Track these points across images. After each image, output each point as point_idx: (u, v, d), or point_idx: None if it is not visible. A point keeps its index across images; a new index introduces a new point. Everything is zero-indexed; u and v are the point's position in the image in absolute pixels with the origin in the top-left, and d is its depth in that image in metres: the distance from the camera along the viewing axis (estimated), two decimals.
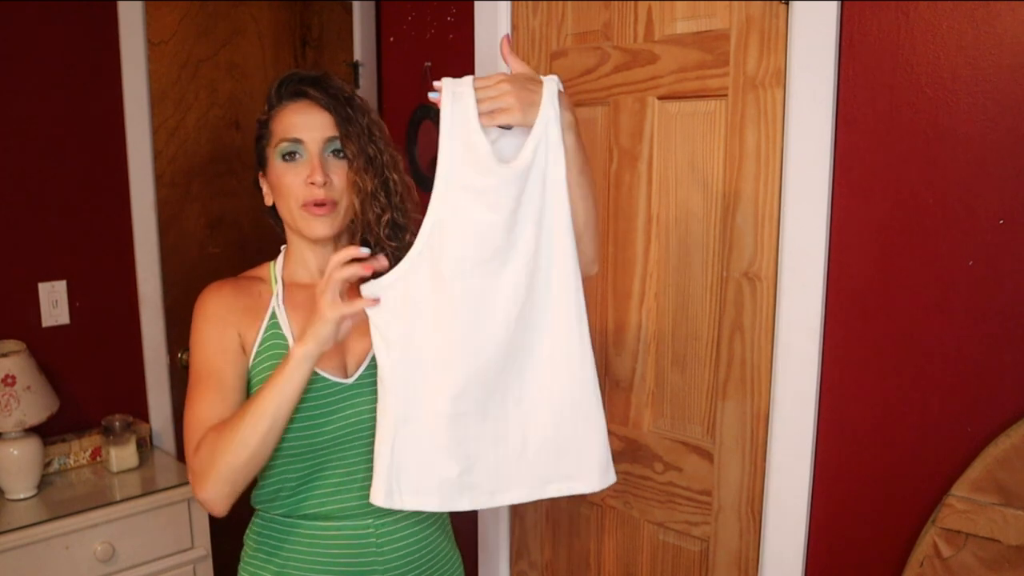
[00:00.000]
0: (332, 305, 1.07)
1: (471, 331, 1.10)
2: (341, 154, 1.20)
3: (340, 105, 1.20)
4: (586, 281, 1.23)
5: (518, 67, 1.12)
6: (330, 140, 1.20)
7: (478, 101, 1.06)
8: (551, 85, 1.09)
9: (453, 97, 1.06)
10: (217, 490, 1.09)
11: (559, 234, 1.11)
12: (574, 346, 1.14)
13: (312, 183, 1.17)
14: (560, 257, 1.12)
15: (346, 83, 1.25)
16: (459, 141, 1.06)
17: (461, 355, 1.10)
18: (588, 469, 1.16)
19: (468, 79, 1.08)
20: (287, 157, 1.20)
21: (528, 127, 1.08)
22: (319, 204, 1.18)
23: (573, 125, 1.11)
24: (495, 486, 1.15)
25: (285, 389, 1.08)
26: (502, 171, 1.06)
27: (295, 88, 1.22)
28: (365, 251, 1.09)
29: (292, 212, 1.21)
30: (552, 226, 1.11)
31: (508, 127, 1.09)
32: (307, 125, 1.19)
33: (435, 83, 1.08)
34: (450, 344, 1.09)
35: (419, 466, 1.11)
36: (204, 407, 1.15)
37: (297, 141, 1.19)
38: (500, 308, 1.10)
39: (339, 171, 1.20)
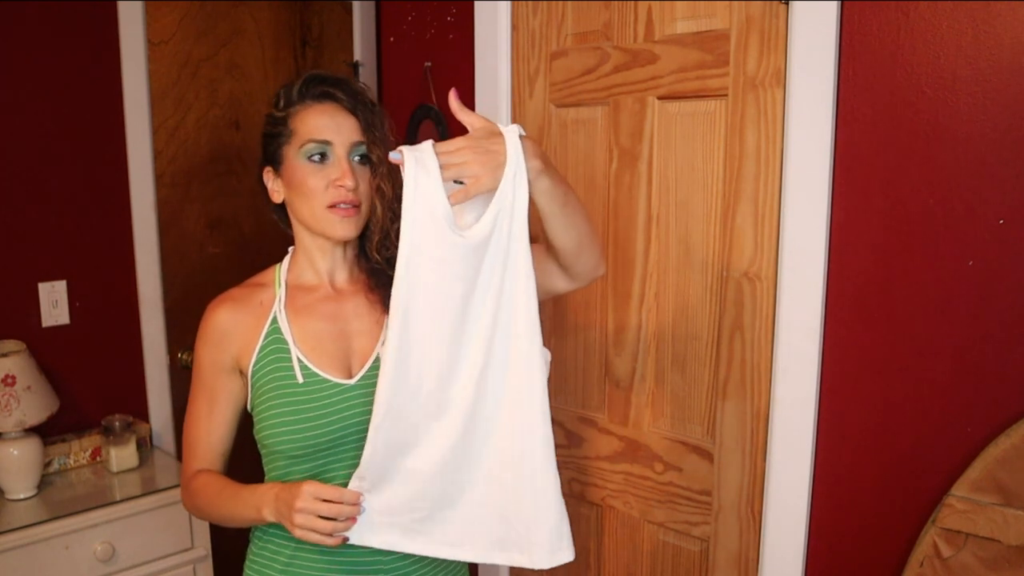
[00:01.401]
0: (303, 532, 1.11)
1: (436, 395, 1.12)
2: (365, 159, 1.22)
3: (366, 110, 1.22)
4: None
5: (472, 121, 1.08)
6: (357, 144, 1.21)
7: (442, 168, 1.04)
8: (512, 137, 1.05)
9: (416, 163, 1.04)
10: (188, 510, 1.34)
11: (520, 305, 1.11)
12: (536, 418, 1.13)
13: (342, 186, 1.19)
14: (522, 327, 1.12)
15: (364, 86, 1.27)
16: (421, 208, 1.05)
17: (430, 416, 1.13)
18: (538, 544, 1.15)
19: (427, 144, 1.05)
20: (314, 158, 1.20)
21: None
22: (347, 207, 1.19)
23: (543, 170, 1.08)
24: (449, 540, 1.18)
25: (238, 518, 1.22)
26: (463, 240, 1.06)
27: (322, 89, 1.23)
28: (338, 496, 1.12)
29: (315, 213, 1.21)
30: (512, 298, 1.11)
31: None
32: (336, 128, 1.20)
33: (393, 152, 1.06)
34: (419, 406, 1.13)
35: (381, 507, 1.15)
36: (198, 418, 1.28)
37: (326, 143, 1.20)
38: (462, 375, 1.12)
39: (363, 175, 1.22)
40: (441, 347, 1.11)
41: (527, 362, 1.12)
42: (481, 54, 2.01)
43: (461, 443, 1.14)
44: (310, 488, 1.10)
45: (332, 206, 1.20)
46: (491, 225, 1.07)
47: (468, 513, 1.18)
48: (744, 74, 1.55)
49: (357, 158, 1.22)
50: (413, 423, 1.13)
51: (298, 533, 1.10)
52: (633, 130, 1.74)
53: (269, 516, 1.15)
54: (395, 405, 1.11)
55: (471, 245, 1.07)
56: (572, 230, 1.16)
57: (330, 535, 1.11)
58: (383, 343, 1.23)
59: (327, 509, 1.10)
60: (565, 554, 1.16)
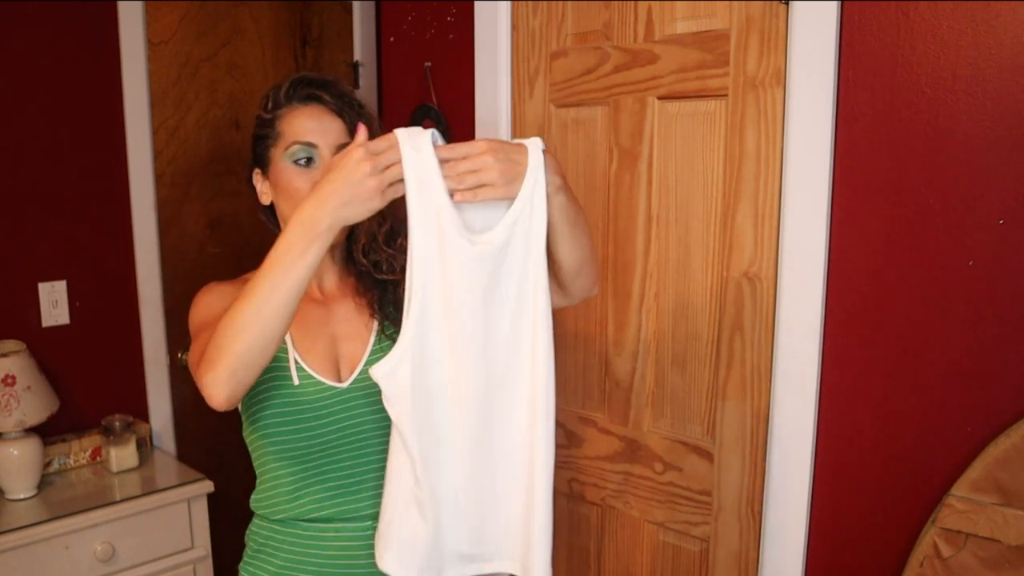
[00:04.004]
0: (378, 191, 0.97)
1: (450, 413, 1.09)
2: None
3: (352, 112, 1.20)
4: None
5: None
6: (342, 147, 1.18)
7: (458, 175, 0.99)
8: (536, 153, 1.01)
9: (415, 165, 0.98)
10: (217, 375, 0.99)
11: (540, 320, 1.06)
12: (541, 445, 1.09)
13: None
14: (540, 344, 1.07)
15: (352, 89, 1.25)
16: (430, 217, 1.00)
17: (445, 434, 1.09)
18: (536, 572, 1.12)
19: (427, 142, 0.99)
20: (300, 162, 1.19)
21: (510, 200, 1.02)
22: None
23: (562, 187, 1.06)
24: (472, 553, 1.15)
25: (276, 273, 0.99)
26: (475, 248, 1.01)
27: (307, 91, 1.22)
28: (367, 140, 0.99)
29: None
30: (532, 311, 1.06)
31: None
32: (321, 130, 1.19)
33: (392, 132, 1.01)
34: (436, 426, 1.09)
35: (403, 537, 1.12)
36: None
37: (312, 146, 1.19)
38: (474, 392, 1.08)
39: None
40: (455, 361, 1.06)
41: (545, 384, 1.08)
42: (481, 54, 2.01)
43: (472, 468, 1.10)
44: (349, 155, 0.98)
45: None
46: (507, 234, 1.02)
47: (496, 533, 1.14)
48: (744, 74, 1.55)
49: None
50: (430, 440, 1.08)
51: (382, 195, 0.97)
52: (633, 130, 1.74)
53: (342, 218, 0.98)
54: (416, 420, 1.06)
55: (484, 253, 1.02)
56: (577, 249, 1.14)
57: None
58: (371, 348, 1.22)
59: (372, 160, 0.97)
60: None
